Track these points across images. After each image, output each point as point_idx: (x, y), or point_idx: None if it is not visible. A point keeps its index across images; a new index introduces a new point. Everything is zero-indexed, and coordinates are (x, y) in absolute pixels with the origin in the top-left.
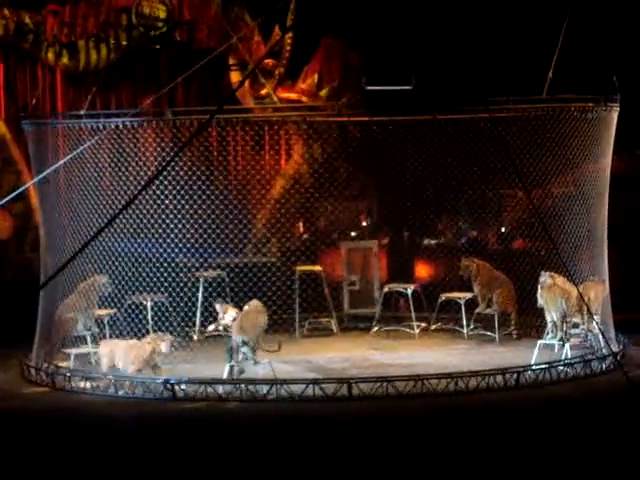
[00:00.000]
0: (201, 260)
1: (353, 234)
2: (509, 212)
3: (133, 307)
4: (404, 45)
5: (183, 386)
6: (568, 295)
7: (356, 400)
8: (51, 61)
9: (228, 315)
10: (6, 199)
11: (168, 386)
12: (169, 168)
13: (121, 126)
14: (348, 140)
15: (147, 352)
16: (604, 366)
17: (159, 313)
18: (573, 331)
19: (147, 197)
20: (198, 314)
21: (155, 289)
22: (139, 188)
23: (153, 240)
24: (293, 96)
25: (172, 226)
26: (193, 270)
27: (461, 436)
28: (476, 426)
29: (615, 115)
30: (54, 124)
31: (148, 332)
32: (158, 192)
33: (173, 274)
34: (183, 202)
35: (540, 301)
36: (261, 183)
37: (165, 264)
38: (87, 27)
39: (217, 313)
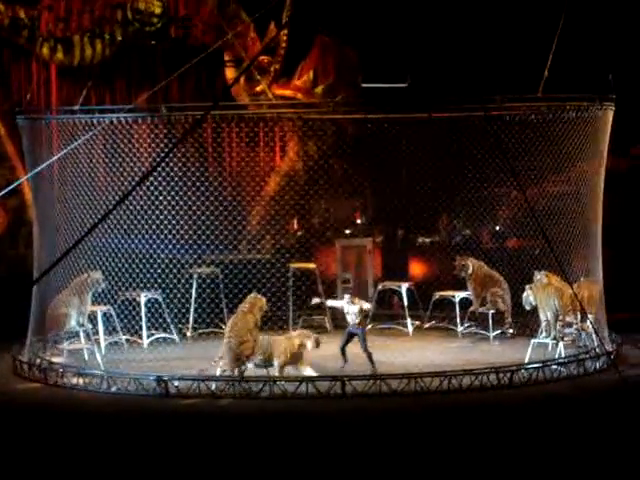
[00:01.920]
0: (195, 256)
1: (347, 232)
2: (504, 211)
3: (126, 303)
4: (400, 43)
5: (176, 383)
6: (561, 294)
7: (349, 398)
8: (46, 56)
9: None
10: (0, 194)
11: (161, 383)
12: (163, 164)
13: (115, 122)
14: (343, 137)
15: (295, 346)
16: (597, 365)
17: (152, 309)
18: (567, 330)
19: (141, 193)
20: (192, 310)
21: (149, 285)
22: (133, 184)
23: (147, 236)
24: (288, 93)
25: (166, 222)
26: (187, 266)
27: (454, 434)
28: (469, 424)
29: (610, 114)
30: (48, 119)
31: (141, 328)
32: (152, 188)
33: (167, 270)
34: (177, 198)
35: (530, 300)
36: (256, 180)
37: (159, 260)
38: (82, 22)
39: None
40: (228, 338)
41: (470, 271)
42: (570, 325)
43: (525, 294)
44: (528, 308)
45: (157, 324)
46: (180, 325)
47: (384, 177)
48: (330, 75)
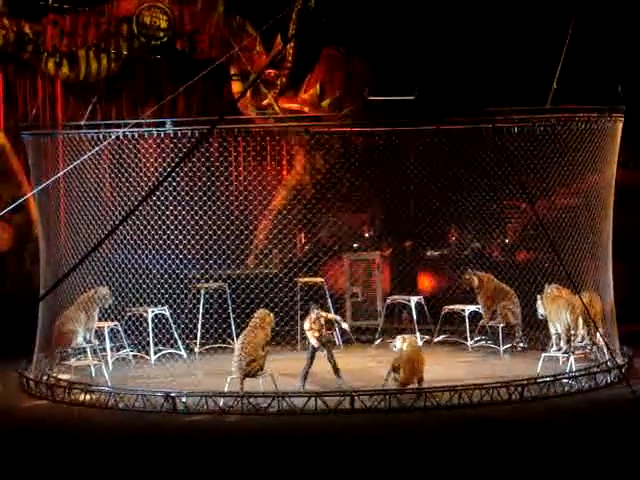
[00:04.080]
0: (202, 271)
1: (355, 245)
2: (513, 223)
3: (134, 319)
4: (407, 55)
5: (184, 399)
6: (572, 307)
7: (358, 413)
8: (51, 71)
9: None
10: (6, 210)
11: (169, 399)
12: (170, 179)
13: (122, 136)
14: (350, 151)
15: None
16: (609, 379)
17: (159, 325)
18: (578, 343)
19: (148, 208)
20: (199, 326)
21: (156, 301)
22: (140, 199)
23: (154, 251)
24: (295, 106)
25: (173, 237)
26: (194, 282)
27: (465, 449)
28: (480, 439)
29: (620, 125)
30: (54, 134)
31: (148, 344)
32: (159, 203)
33: (174, 286)
34: (184, 213)
35: (540, 311)
36: (263, 194)
37: (166, 276)
38: (87, 37)
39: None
40: (239, 356)
41: (475, 285)
42: (581, 338)
43: (538, 303)
44: (541, 317)
45: (164, 340)
46: (187, 341)
47: (392, 190)
48: (337, 88)
